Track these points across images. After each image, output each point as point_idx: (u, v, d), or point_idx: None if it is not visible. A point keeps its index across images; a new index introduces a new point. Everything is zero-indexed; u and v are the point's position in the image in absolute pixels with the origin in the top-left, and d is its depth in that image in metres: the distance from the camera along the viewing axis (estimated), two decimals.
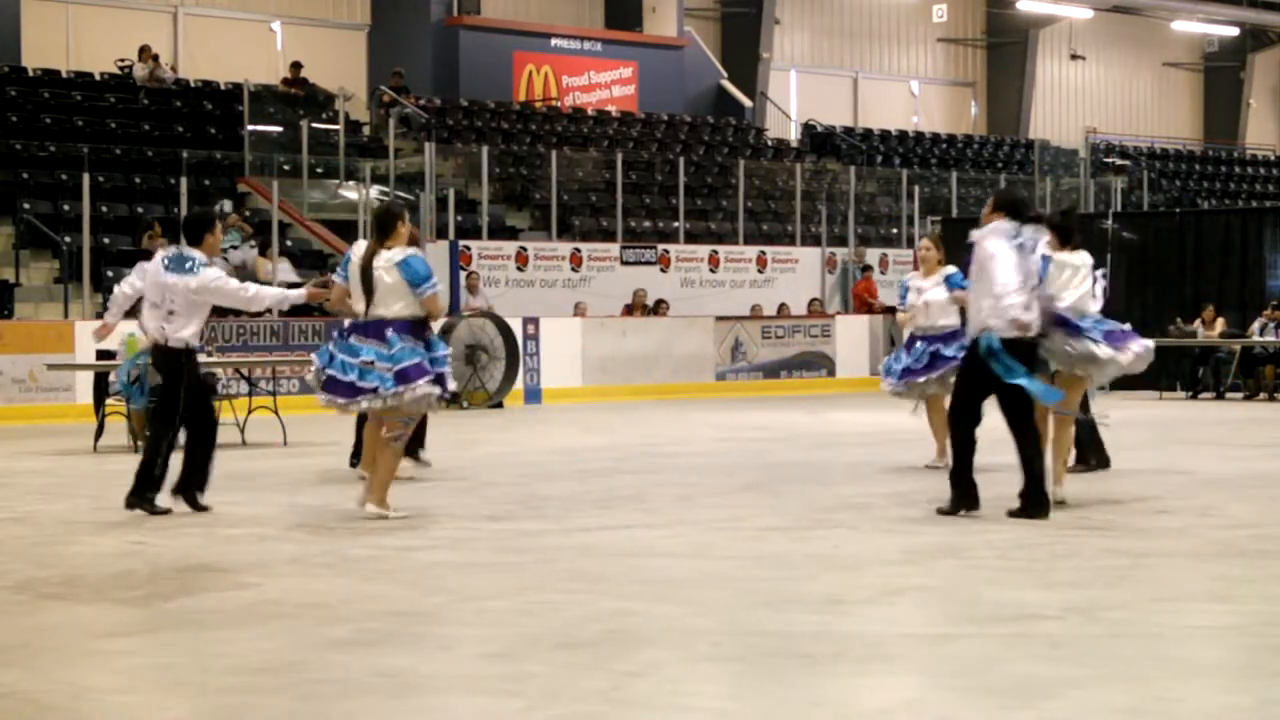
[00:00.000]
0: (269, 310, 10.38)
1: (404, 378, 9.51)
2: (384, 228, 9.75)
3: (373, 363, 9.52)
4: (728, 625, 6.52)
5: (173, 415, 9.98)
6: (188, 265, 9.94)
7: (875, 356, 25.05)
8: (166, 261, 10.02)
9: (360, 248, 9.80)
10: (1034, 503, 9.55)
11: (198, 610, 6.91)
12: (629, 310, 25.04)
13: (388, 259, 9.61)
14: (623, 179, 27.50)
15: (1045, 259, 9.79)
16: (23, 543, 9.01)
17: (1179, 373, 23.46)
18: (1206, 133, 47.31)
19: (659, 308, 25.17)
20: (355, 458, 12.23)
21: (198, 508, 10.09)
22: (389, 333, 9.54)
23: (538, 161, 28.27)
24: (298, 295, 10.37)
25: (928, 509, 10.06)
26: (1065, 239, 10.49)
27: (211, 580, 7.64)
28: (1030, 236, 9.42)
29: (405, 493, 10.85)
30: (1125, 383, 23.80)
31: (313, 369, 10.01)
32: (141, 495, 9.99)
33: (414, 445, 12.05)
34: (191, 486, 10.11)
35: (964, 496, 9.71)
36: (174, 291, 9.91)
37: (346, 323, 9.90)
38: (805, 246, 28.53)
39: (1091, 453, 12.29)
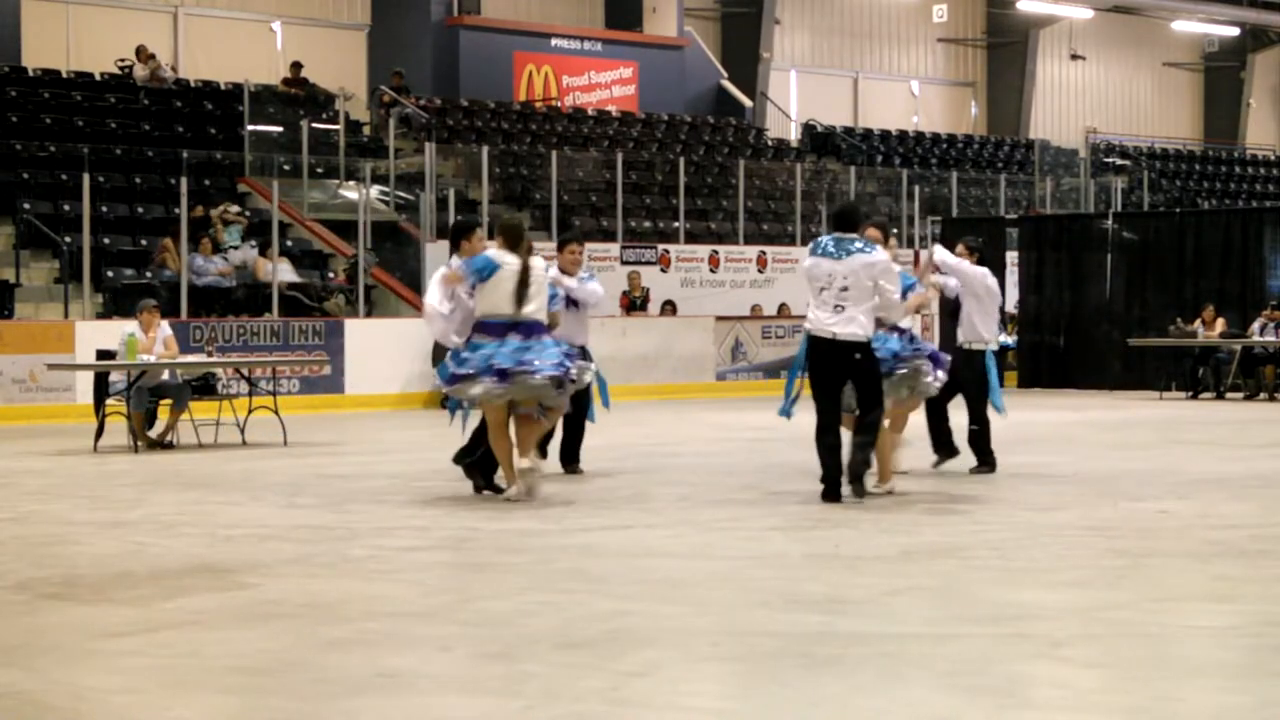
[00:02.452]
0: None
1: (555, 374, 10.36)
2: (519, 240, 10.51)
3: (531, 357, 10.34)
4: (728, 625, 6.52)
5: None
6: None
7: None
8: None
9: (509, 256, 10.39)
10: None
11: (198, 610, 6.91)
12: (626, 297, 24.94)
13: (541, 267, 10.62)
14: (623, 179, 27.45)
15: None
16: (23, 543, 9.00)
17: (1179, 373, 23.45)
18: (1206, 133, 47.28)
19: (664, 309, 25.14)
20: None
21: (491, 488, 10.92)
22: (539, 333, 10.48)
23: (538, 161, 28.24)
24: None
25: (928, 509, 10.07)
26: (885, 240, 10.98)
27: (211, 580, 7.63)
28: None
29: (408, 492, 10.83)
30: (1125, 382, 24.06)
31: (458, 375, 10.40)
32: (486, 476, 10.86)
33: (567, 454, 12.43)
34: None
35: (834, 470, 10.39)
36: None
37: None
38: (806, 246, 28.41)
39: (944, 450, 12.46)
